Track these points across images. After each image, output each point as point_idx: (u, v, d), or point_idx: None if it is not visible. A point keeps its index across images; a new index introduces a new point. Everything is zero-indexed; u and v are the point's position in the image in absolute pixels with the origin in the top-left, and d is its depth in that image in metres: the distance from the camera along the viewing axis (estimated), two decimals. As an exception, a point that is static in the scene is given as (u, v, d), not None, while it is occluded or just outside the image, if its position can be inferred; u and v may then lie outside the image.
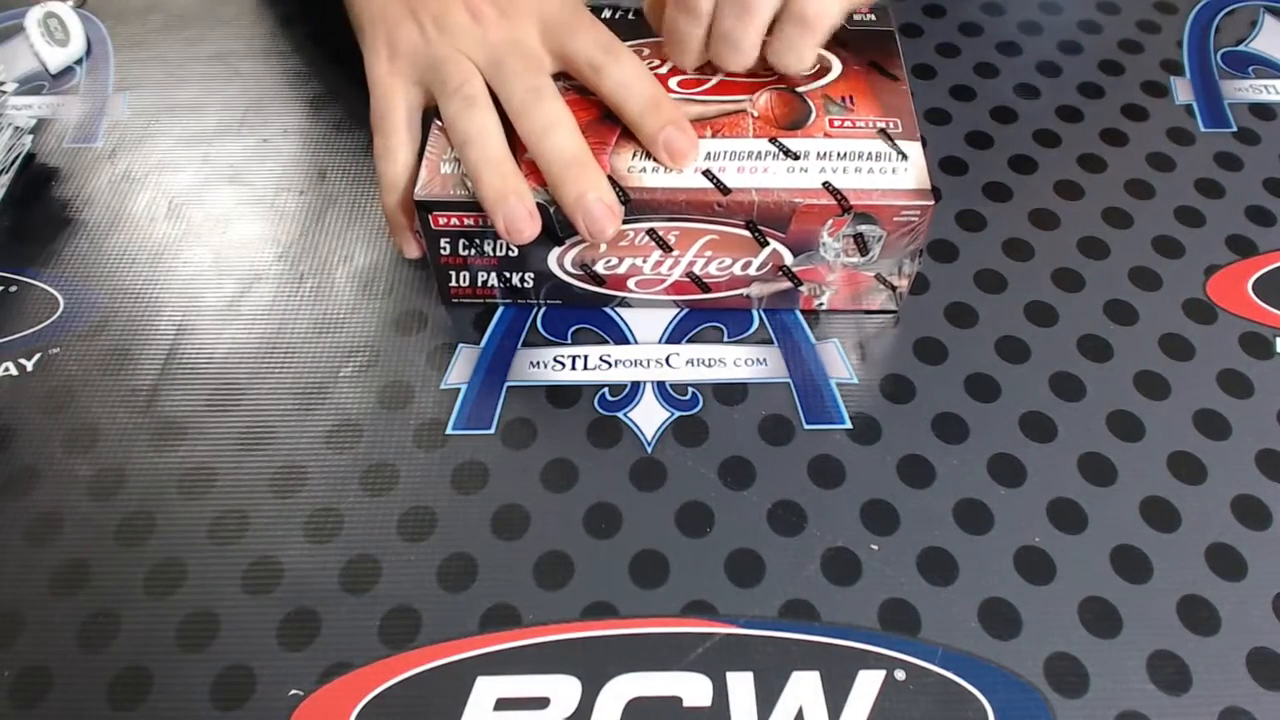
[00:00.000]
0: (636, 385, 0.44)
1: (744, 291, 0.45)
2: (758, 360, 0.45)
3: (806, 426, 0.43)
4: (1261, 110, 0.56)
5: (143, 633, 0.37)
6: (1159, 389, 0.44)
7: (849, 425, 0.43)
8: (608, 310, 0.47)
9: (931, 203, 0.40)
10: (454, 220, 0.42)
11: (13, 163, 0.53)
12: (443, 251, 0.44)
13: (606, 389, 0.44)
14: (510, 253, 0.43)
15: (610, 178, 0.41)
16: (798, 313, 0.46)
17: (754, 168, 0.41)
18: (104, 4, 0.64)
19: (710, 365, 0.45)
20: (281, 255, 0.50)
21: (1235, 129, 0.55)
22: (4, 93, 0.54)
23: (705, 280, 0.44)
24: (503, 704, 0.35)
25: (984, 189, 0.52)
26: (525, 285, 0.45)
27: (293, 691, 0.35)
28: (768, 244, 0.42)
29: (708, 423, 0.43)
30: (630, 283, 0.45)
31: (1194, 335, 0.46)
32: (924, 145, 0.43)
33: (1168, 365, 0.45)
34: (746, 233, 0.42)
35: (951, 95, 0.57)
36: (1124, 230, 0.50)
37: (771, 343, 0.46)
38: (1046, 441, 0.42)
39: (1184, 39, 0.61)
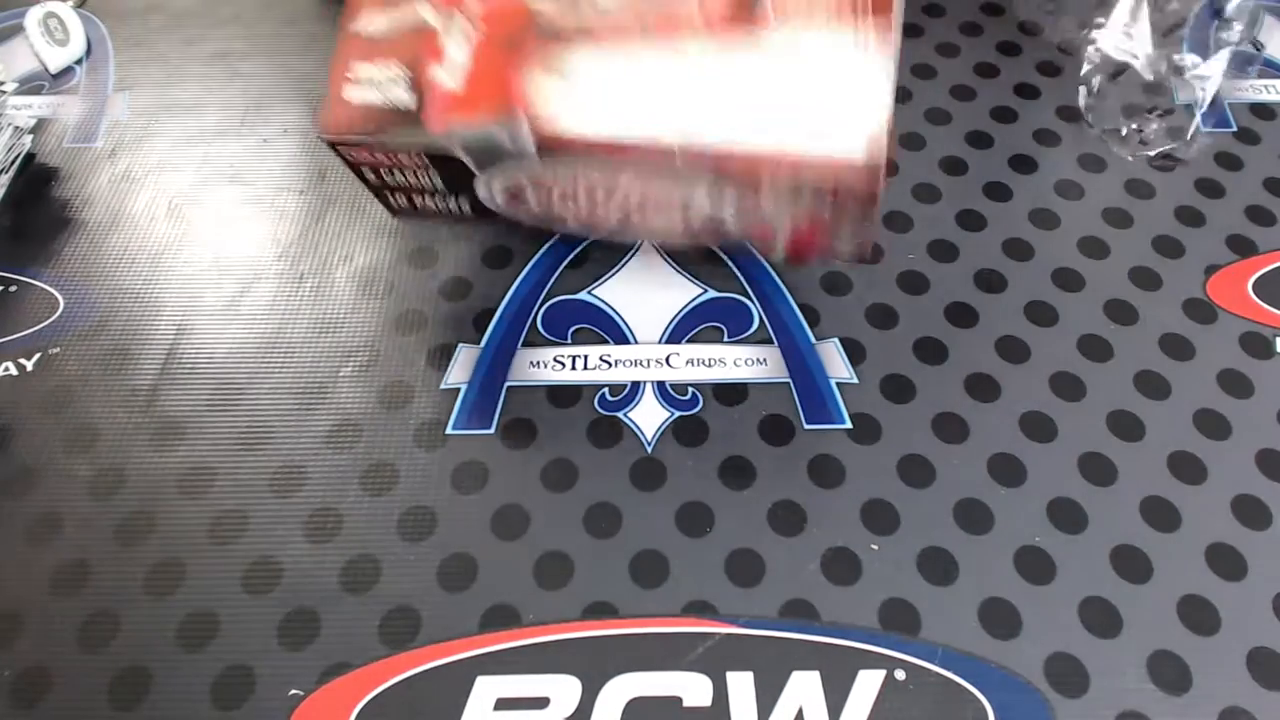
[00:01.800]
0: (636, 385, 0.44)
1: (678, 220, 0.41)
2: (758, 360, 0.45)
3: (806, 426, 0.43)
4: (1261, 110, 0.56)
5: (143, 633, 0.37)
6: (1159, 389, 0.44)
7: (849, 425, 0.43)
8: (607, 310, 0.47)
9: (880, 181, 0.34)
10: (371, 155, 0.41)
11: (13, 163, 0.53)
12: (368, 178, 0.43)
13: (606, 389, 0.44)
14: (436, 183, 0.41)
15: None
16: (797, 313, 0.46)
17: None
18: (104, 4, 0.64)
19: (710, 365, 0.45)
20: (281, 255, 0.50)
21: (1235, 129, 0.55)
22: (4, 93, 0.54)
23: (642, 219, 0.41)
24: (503, 704, 0.35)
25: (984, 189, 0.52)
26: (464, 211, 0.44)
27: (293, 691, 0.35)
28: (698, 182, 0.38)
29: (708, 423, 0.43)
30: (568, 217, 0.42)
31: (1194, 335, 0.46)
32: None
33: (1168, 365, 0.45)
34: (672, 181, 0.38)
35: (952, 95, 0.57)
36: (1124, 230, 0.50)
37: (771, 343, 0.46)
38: (1046, 441, 0.42)
39: (1184, 39, 0.61)
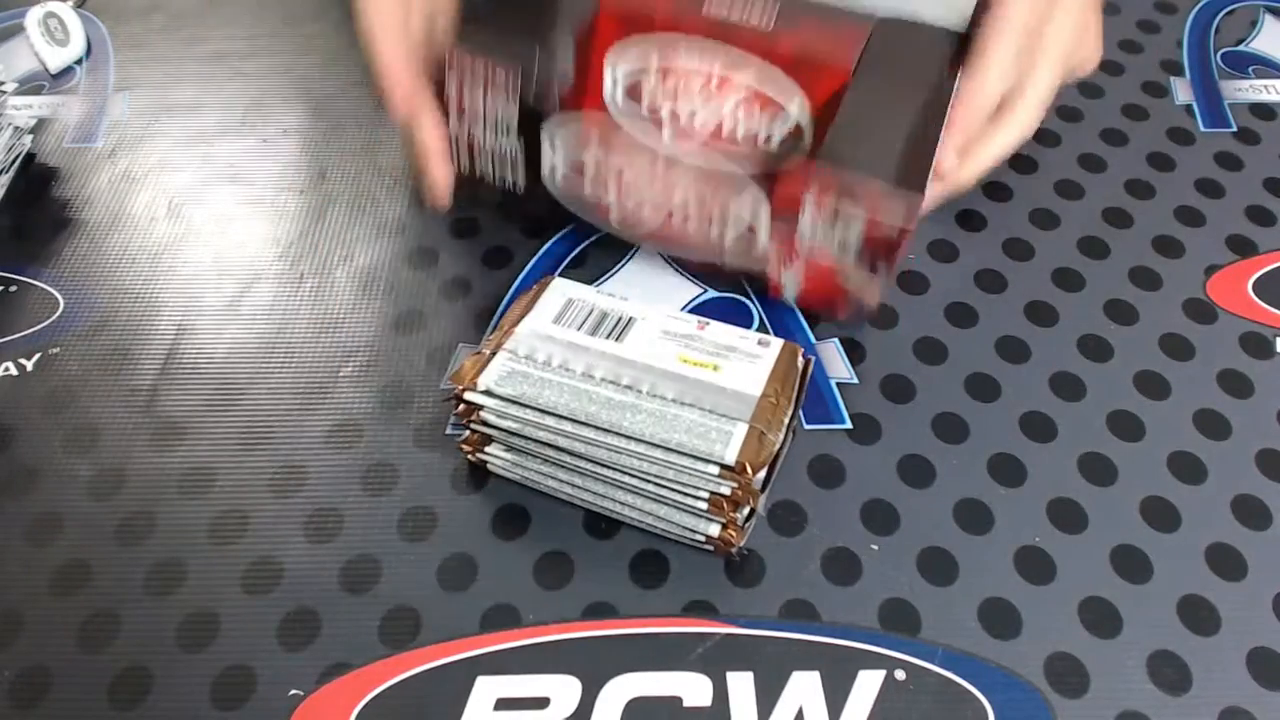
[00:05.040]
0: (636, 385, 0.44)
1: (715, 234, 0.43)
2: (758, 360, 0.45)
3: (806, 426, 0.43)
4: (1261, 110, 0.56)
5: (143, 633, 0.37)
6: (1159, 389, 0.44)
7: (849, 425, 0.43)
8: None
9: (911, 228, 0.38)
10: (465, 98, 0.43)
11: (13, 163, 0.53)
12: (450, 125, 0.44)
13: (606, 389, 0.44)
14: (507, 149, 0.44)
15: None
16: (798, 313, 0.46)
17: None
18: (104, 4, 0.64)
19: (710, 365, 0.45)
20: (281, 255, 0.50)
21: (1235, 129, 0.55)
22: (4, 93, 0.54)
23: (682, 226, 0.43)
24: (503, 704, 0.35)
25: (984, 189, 0.52)
26: (518, 186, 0.45)
27: (293, 691, 0.35)
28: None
29: (708, 423, 0.43)
30: (612, 210, 0.44)
31: (1194, 335, 0.46)
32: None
33: (1168, 365, 0.45)
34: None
35: (951, 95, 0.57)
36: (1124, 230, 0.50)
37: (771, 343, 0.45)
38: (1046, 441, 0.42)
39: (1184, 39, 0.61)
